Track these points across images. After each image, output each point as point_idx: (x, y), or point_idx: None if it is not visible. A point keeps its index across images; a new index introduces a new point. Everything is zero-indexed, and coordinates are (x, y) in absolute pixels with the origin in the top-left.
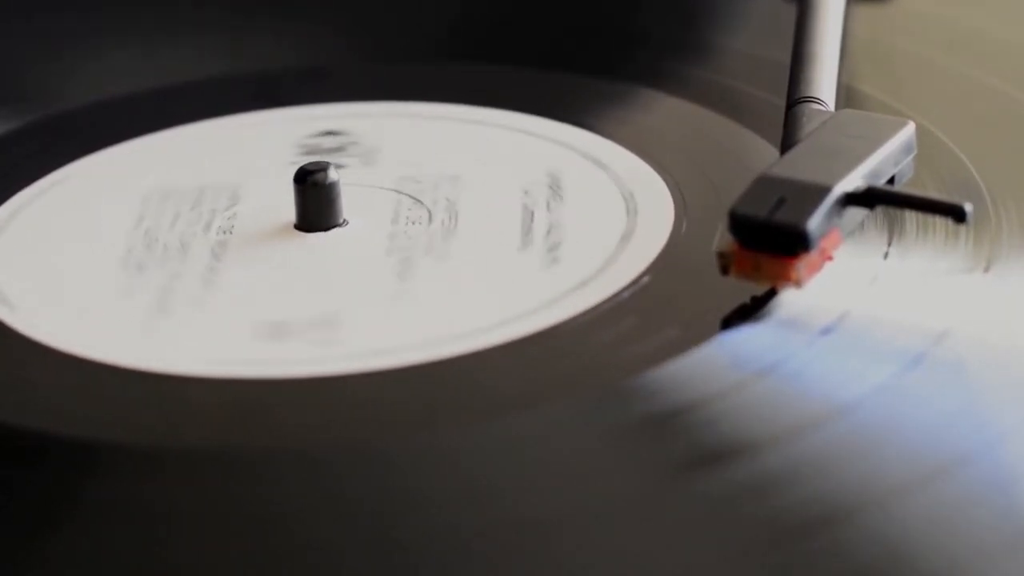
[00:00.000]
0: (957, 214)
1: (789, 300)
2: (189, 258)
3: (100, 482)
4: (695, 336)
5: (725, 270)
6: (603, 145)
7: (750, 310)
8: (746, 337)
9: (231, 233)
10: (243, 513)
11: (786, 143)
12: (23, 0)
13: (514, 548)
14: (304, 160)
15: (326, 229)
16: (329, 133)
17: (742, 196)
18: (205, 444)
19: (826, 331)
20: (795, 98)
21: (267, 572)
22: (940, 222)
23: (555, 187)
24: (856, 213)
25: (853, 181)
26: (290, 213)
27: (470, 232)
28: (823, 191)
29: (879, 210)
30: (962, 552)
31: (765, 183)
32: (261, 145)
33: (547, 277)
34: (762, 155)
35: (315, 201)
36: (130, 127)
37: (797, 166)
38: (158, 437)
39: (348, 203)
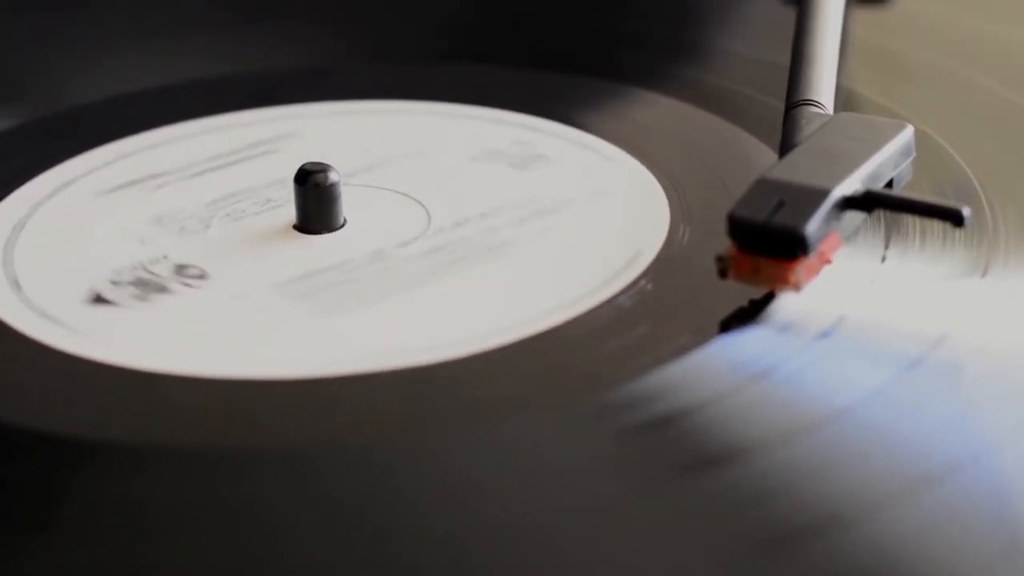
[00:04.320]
0: (955, 218)
1: (787, 304)
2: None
3: (88, 480)
4: (692, 339)
5: (723, 273)
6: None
7: (748, 313)
8: (744, 340)
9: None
10: (234, 513)
11: (785, 146)
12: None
13: (509, 550)
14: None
15: (325, 231)
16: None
17: (741, 199)
18: (200, 444)
19: (824, 335)
20: (794, 101)
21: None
22: (938, 226)
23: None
24: (854, 217)
25: (851, 185)
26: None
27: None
28: (821, 194)
29: (877, 213)
30: (961, 557)
31: (764, 186)
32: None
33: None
34: (761, 158)
35: (315, 202)
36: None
37: (796, 169)
38: (149, 436)
39: (349, 204)
